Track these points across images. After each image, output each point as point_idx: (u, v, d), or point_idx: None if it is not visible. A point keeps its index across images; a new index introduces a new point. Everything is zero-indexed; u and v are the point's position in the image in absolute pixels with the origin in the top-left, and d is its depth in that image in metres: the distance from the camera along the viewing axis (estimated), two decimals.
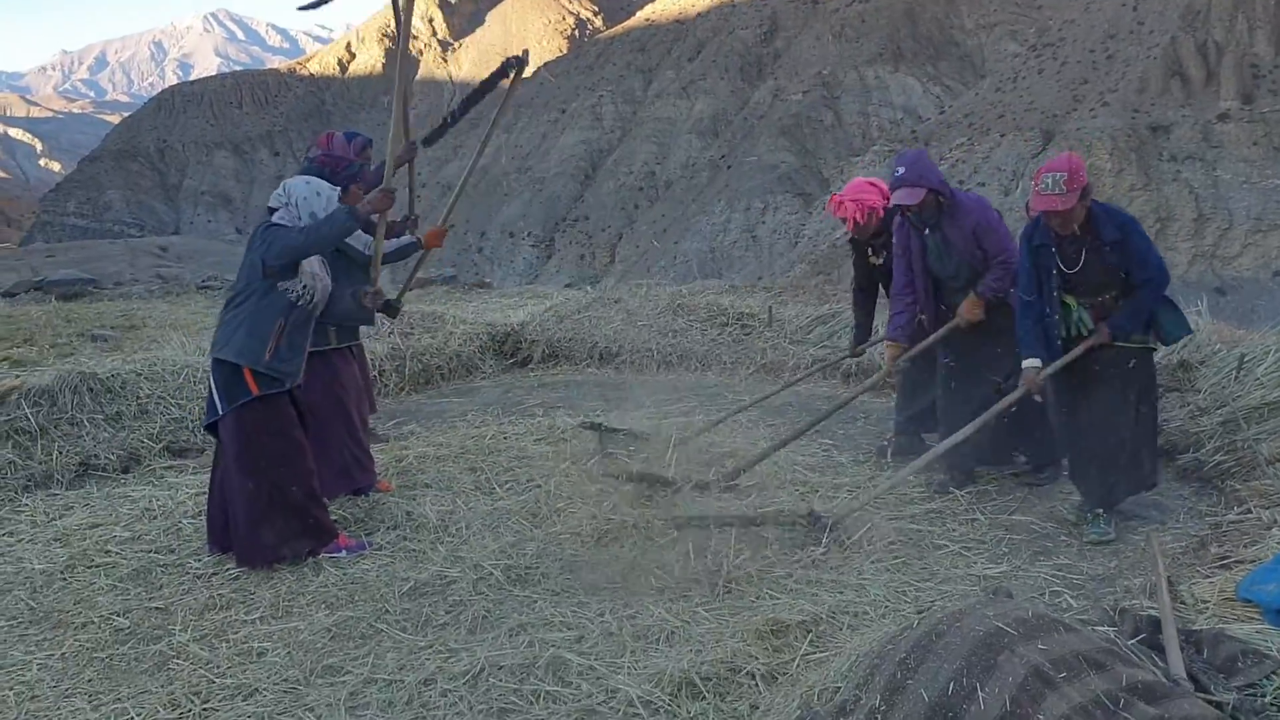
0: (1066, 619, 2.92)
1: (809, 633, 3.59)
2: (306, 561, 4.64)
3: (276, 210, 4.66)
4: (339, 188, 4.89)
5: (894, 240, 5.51)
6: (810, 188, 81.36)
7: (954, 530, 4.70)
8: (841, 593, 3.96)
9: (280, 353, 4.57)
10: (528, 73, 5.68)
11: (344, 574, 4.49)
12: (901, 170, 5.18)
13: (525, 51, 4.95)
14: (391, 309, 5.32)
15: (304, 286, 4.63)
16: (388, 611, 4.10)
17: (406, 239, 5.50)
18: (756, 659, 3.43)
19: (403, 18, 5.07)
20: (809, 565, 4.24)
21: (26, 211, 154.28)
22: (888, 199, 5.60)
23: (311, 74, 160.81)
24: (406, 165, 5.33)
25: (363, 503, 5.32)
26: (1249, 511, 4.31)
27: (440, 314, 9.28)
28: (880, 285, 6.10)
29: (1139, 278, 4.62)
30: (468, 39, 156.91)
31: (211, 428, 4.76)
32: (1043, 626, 2.80)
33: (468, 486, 5.52)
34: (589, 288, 10.49)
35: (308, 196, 4.65)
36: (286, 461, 4.65)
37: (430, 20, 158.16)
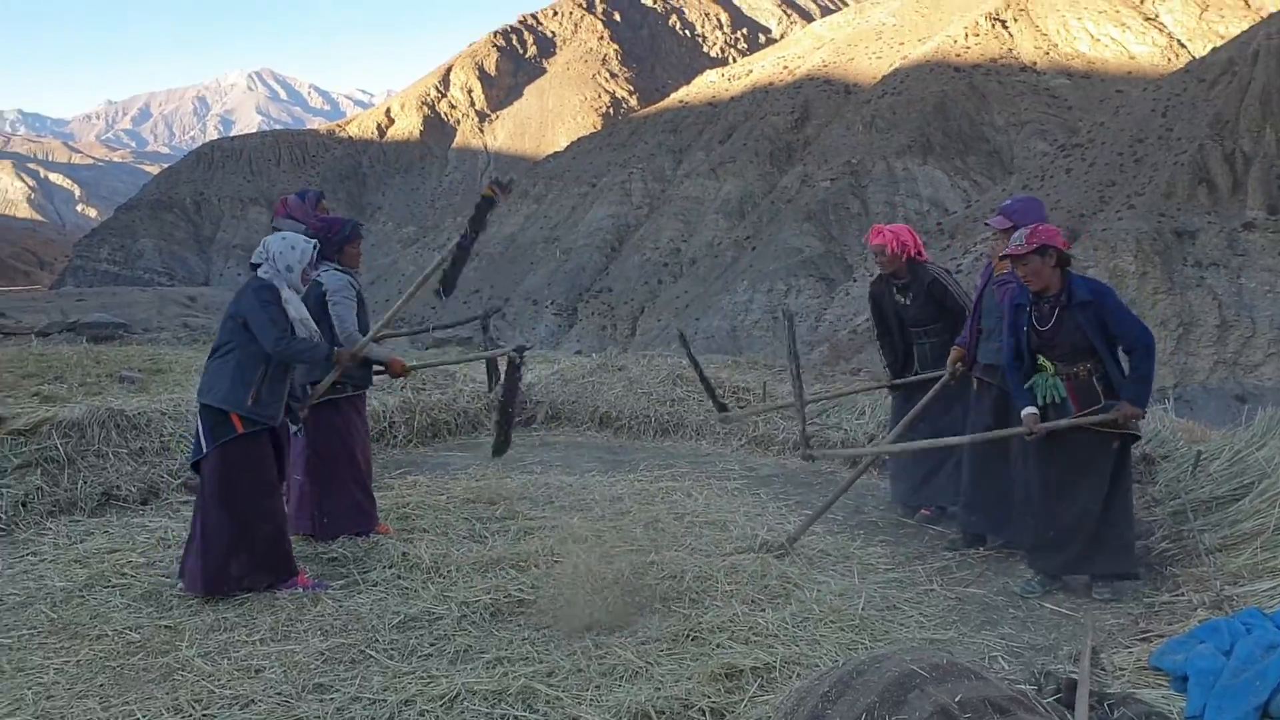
0: (980, 670, 3.23)
1: (760, 678, 3.91)
2: (300, 592, 4.99)
3: (260, 265, 5.14)
4: (315, 242, 5.31)
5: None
6: (833, 273, 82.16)
7: (911, 598, 5.02)
8: (796, 645, 4.27)
9: (262, 399, 4.99)
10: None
11: (340, 606, 4.84)
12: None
13: (510, 179, 5.37)
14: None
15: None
16: (377, 641, 4.44)
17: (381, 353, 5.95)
18: (709, 697, 3.75)
19: None
20: (769, 621, 4.55)
21: (60, 255, 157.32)
22: (919, 253, 6.37)
23: (350, 136, 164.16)
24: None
25: (363, 543, 5.71)
26: (1182, 594, 4.62)
27: (453, 372, 9.70)
28: (903, 328, 6.56)
29: (1127, 343, 4.94)
30: (504, 111, 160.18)
31: (196, 465, 5.14)
32: (955, 673, 3.12)
33: (462, 533, 5.88)
34: (595, 355, 10.92)
35: (283, 251, 5.13)
36: (257, 498, 5.04)
37: (470, 91, 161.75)
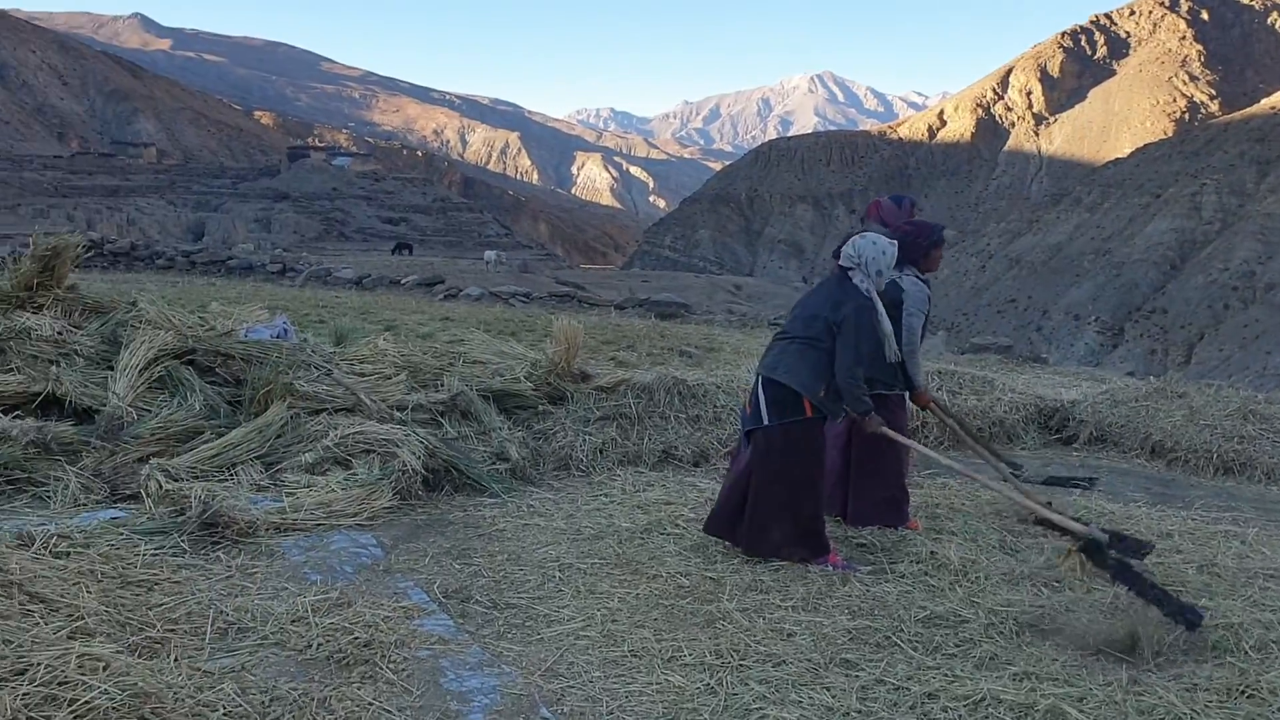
0: None
1: None
2: (830, 570, 5.23)
3: (851, 270, 5.35)
4: (895, 243, 5.46)
5: None
6: None
7: None
8: None
9: (830, 393, 5.28)
10: None
11: (867, 590, 4.99)
12: None
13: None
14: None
15: None
16: (902, 630, 4.51)
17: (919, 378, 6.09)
18: None
19: None
20: None
21: (631, 240, 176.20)
22: None
23: (900, 138, 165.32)
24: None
25: (891, 534, 5.82)
26: None
27: (991, 379, 9.50)
28: None
29: None
30: (1064, 115, 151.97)
31: (748, 433, 5.51)
32: None
33: (992, 543, 5.76)
34: (1152, 378, 10.08)
35: (875, 256, 5.33)
36: (807, 478, 5.34)
37: (1029, 93, 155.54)
